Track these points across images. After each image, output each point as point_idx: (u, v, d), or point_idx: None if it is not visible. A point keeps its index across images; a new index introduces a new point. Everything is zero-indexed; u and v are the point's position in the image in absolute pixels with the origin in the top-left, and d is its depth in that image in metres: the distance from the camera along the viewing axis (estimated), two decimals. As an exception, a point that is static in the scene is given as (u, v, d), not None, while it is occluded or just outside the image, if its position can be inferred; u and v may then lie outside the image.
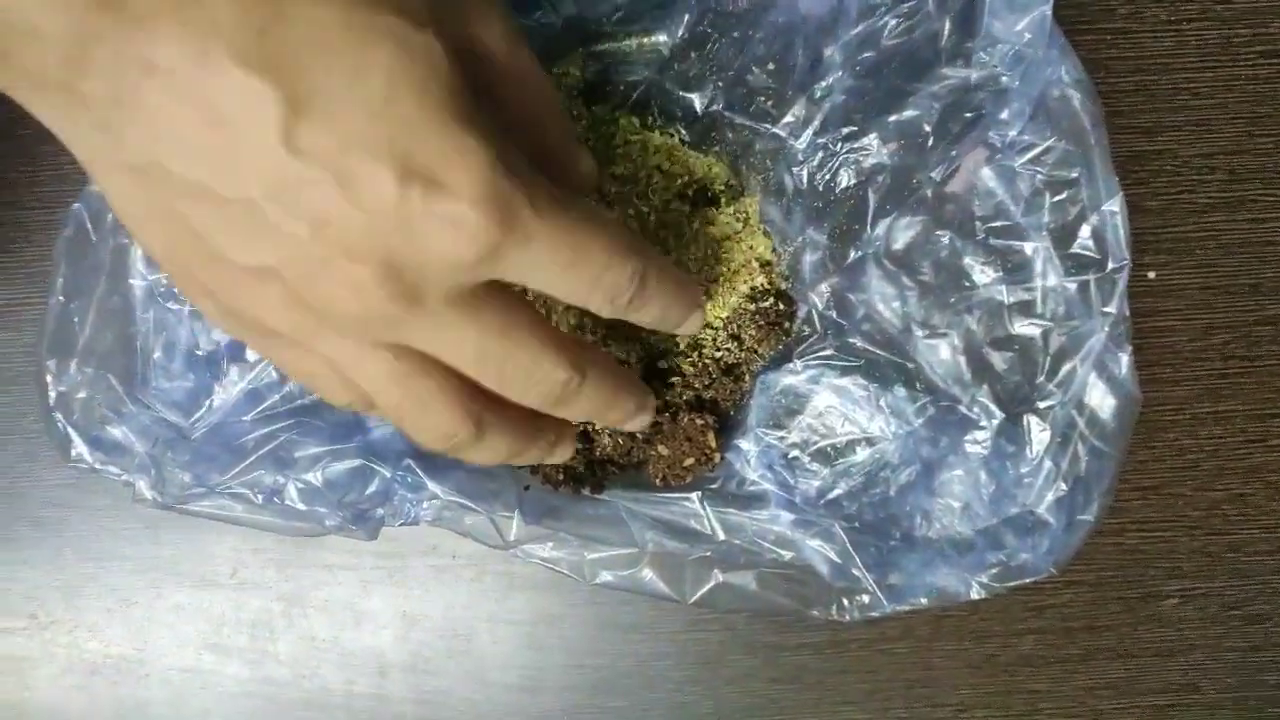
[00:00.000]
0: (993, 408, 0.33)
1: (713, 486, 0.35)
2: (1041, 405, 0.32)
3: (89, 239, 0.33)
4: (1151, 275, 0.39)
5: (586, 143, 0.35)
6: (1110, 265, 0.32)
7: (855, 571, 0.32)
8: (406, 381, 0.26)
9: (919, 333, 0.33)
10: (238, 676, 0.41)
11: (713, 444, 0.34)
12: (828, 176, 0.33)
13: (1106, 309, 0.32)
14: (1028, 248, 0.32)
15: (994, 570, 0.32)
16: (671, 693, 0.41)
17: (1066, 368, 0.32)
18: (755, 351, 0.35)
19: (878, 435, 0.34)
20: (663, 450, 0.35)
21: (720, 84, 0.34)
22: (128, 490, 0.33)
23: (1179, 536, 0.40)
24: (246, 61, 0.21)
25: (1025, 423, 0.33)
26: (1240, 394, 0.40)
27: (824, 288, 0.34)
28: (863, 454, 0.34)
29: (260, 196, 0.22)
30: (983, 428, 0.33)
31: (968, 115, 0.31)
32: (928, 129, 0.32)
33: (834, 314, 0.34)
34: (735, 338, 0.35)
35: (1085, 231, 0.32)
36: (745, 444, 0.35)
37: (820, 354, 0.34)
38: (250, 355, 0.33)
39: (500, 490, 0.34)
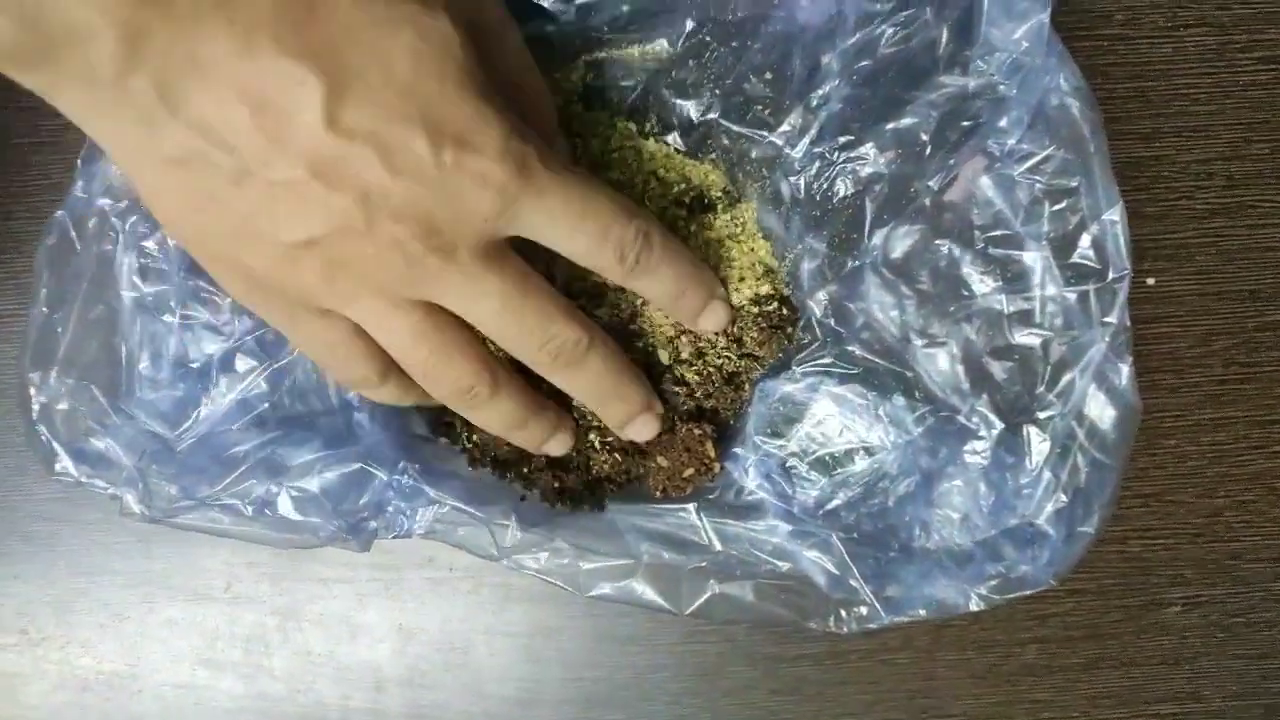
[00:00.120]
0: (992, 418, 0.33)
1: (710, 497, 0.34)
2: (1041, 416, 0.32)
3: (72, 247, 0.33)
4: (1151, 281, 0.39)
5: (576, 137, 0.35)
6: (1110, 275, 0.31)
7: (853, 583, 0.32)
8: (434, 335, 0.28)
9: (918, 342, 0.33)
10: (232, 692, 0.41)
11: (712, 454, 0.34)
12: (825, 185, 0.33)
13: (1107, 319, 0.31)
14: (1027, 257, 0.32)
15: (993, 582, 0.32)
16: (670, 705, 0.41)
17: (1066, 378, 0.32)
18: (756, 357, 0.35)
19: (876, 445, 0.33)
20: (662, 461, 0.35)
21: (717, 92, 0.34)
22: (116, 504, 0.33)
23: (1181, 544, 0.40)
24: (289, 51, 0.23)
25: (1025, 433, 0.32)
26: (1241, 400, 0.40)
27: (822, 295, 0.33)
28: (861, 464, 0.34)
29: (307, 175, 0.24)
30: (982, 438, 0.33)
31: (965, 124, 0.31)
32: (925, 138, 0.31)
33: (832, 322, 0.34)
34: (737, 340, 0.34)
35: (1085, 241, 0.31)
36: (743, 452, 0.34)
37: (819, 362, 0.34)
38: (240, 366, 0.32)
39: (497, 500, 0.34)
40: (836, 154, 0.32)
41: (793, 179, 0.33)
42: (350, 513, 0.33)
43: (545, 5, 0.33)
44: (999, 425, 0.32)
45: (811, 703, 0.41)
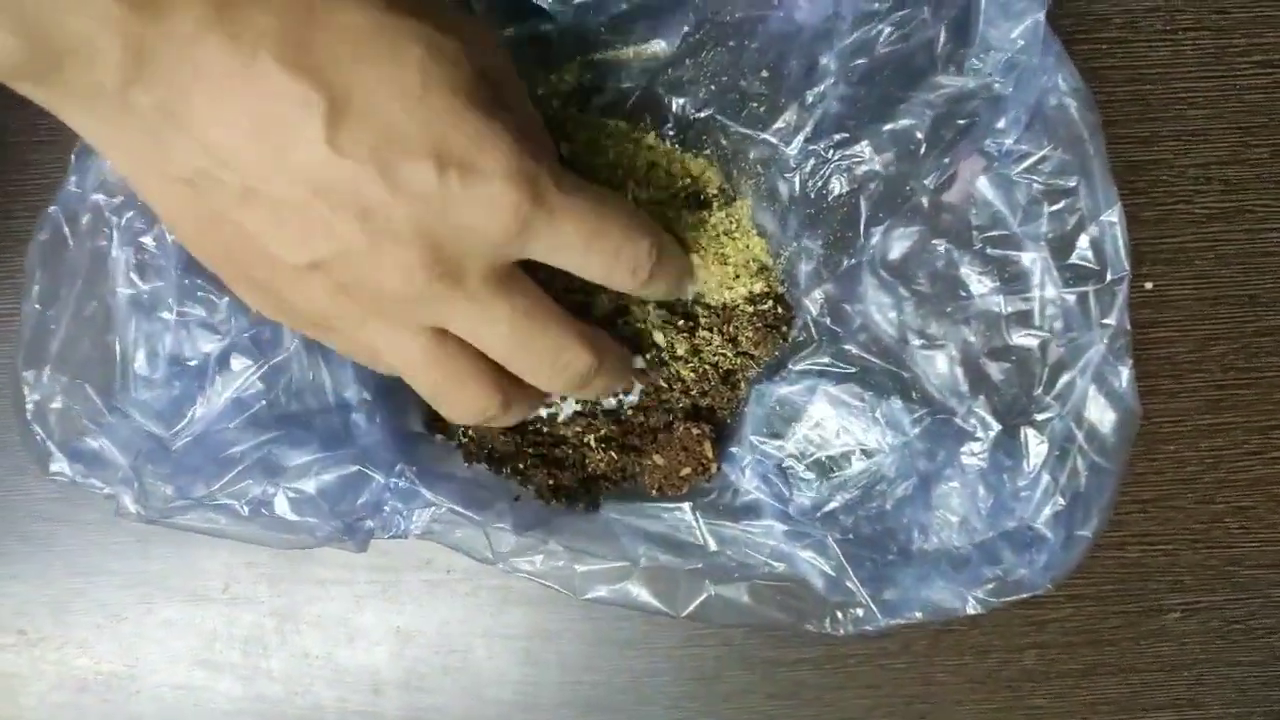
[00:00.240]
0: (989, 419, 0.32)
1: (706, 498, 0.34)
2: (1039, 418, 0.32)
3: (65, 243, 0.32)
4: (1149, 286, 0.39)
5: (566, 132, 0.35)
6: (1109, 276, 0.31)
7: (849, 585, 0.32)
8: (446, 362, 0.28)
9: (915, 342, 0.33)
10: (230, 693, 0.41)
11: (709, 454, 0.34)
12: (820, 183, 0.33)
13: (1106, 321, 0.31)
14: (1025, 258, 0.32)
15: (990, 585, 0.32)
16: (668, 709, 0.41)
17: (1065, 380, 0.32)
18: (751, 356, 0.35)
19: (874, 447, 0.33)
20: (659, 460, 0.35)
21: (713, 89, 0.34)
22: (113, 503, 0.32)
23: (1180, 550, 0.40)
24: (290, 66, 0.23)
25: (1022, 435, 0.32)
26: (1240, 405, 0.40)
27: (818, 295, 0.33)
28: (859, 465, 0.33)
29: (309, 194, 0.24)
30: (979, 440, 0.33)
31: (961, 123, 0.31)
32: (920, 137, 0.31)
33: (829, 322, 0.34)
34: (732, 340, 0.34)
35: (1084, 241, 0.31)
36: (740, 453, 0.34)
37: (816, 361, 0.34)
38: (235, 365, 0.32)
39: (492, 500, 0.34)
40: (832, 152, 0.32)
41: (788, 176, 0.33)
42: (347, 513, 0.33)
43: (543, 5, 0.33)
44: (996, 427, 0.32)
45: (810, 707, 0.40)
